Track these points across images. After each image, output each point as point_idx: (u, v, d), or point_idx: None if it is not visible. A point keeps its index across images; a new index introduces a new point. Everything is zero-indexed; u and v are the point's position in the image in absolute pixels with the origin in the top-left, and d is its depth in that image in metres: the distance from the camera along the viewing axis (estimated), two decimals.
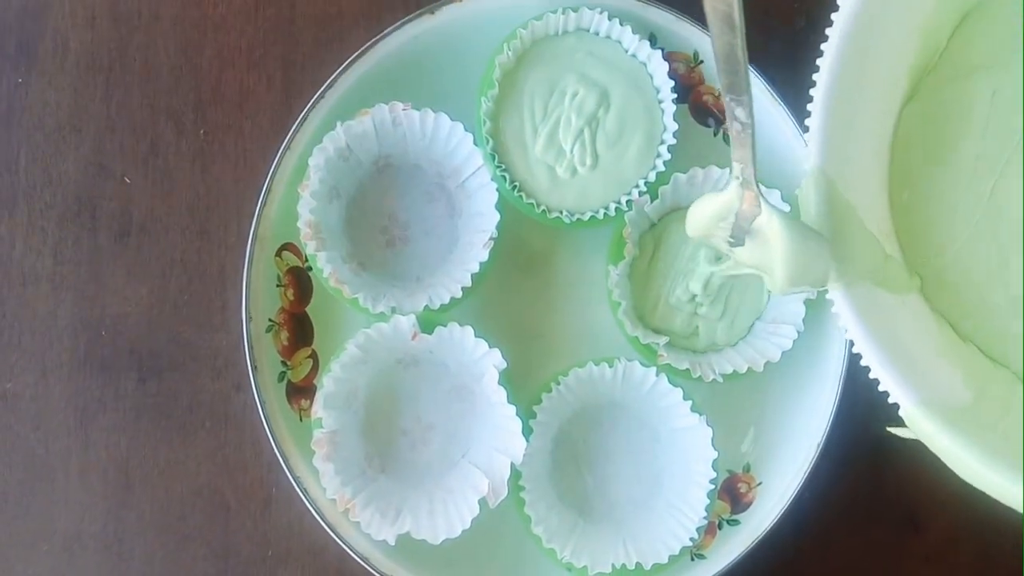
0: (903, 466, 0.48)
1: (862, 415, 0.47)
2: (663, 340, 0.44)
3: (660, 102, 0.45)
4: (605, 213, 0.45)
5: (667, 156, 0.45)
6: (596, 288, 0.46)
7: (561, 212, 0.45)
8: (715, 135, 0.47)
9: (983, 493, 0.47)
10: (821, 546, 0.48)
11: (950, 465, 0.37)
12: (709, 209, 0.39)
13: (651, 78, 0.45)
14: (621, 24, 0.45)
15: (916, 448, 0.48)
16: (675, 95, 0.45)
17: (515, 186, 0.45)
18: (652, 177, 0.45)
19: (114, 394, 0.48)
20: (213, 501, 0.48)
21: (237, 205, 0.48)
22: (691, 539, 0.44)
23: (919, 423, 0.37)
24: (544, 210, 0.45)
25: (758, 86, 0.45)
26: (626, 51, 0.45)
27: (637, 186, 0.45)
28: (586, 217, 0.45)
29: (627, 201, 0.45)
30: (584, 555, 0.44)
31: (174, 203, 0.49)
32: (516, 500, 0.44)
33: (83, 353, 0.49)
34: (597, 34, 0.45)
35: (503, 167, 0.45)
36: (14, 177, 0.49)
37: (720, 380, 0.44)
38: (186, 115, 0.49)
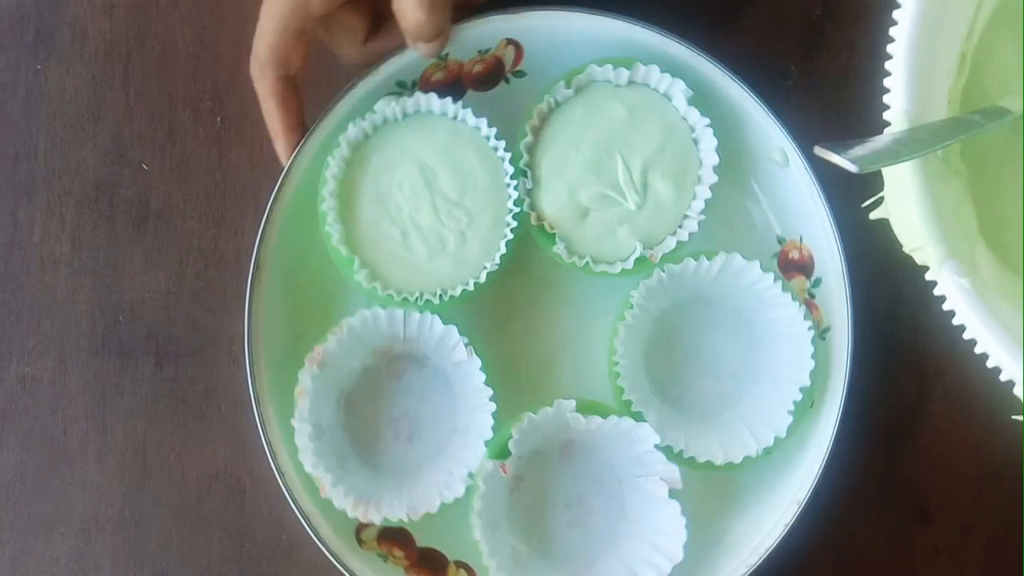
0: (913, 458, 0.48)
1: (871, 407, 0.47)
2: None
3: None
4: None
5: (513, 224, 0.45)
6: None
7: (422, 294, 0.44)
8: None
9: (993, 484, 0.48)
10: (831, 537, 0.48)
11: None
12: None
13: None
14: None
15: (926, 439, 0.48)
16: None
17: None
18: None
19: (131, 379, 0.49)
20: (229, 485, 0.48)
21: (254, 192, 0.48)
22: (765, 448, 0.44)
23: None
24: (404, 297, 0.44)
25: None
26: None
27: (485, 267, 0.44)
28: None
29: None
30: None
31: (191, 190, 0.49)
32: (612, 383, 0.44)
33: (101, 338, 0.49)
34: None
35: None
36: (33, 164, 0.50)
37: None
38: (203, 102, 0.49)
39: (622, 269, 0.44)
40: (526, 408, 0.44)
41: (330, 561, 0.45)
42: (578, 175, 0.44)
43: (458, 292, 0.44)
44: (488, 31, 0.45)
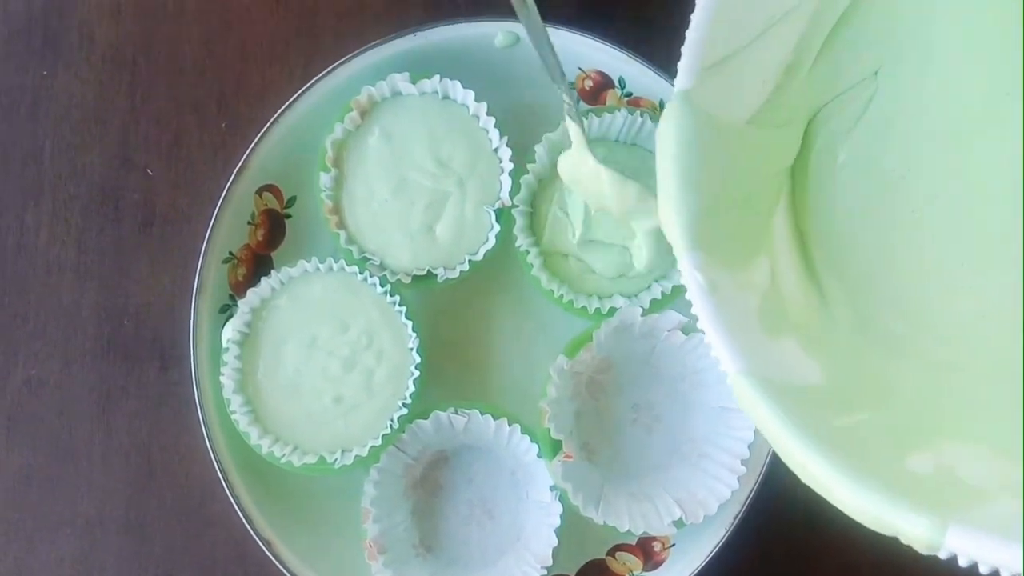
0: None
1: None
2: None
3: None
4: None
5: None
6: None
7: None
8: None
9: None
10: (832, 539, 0.48)
11: (773, 446, 0.32)
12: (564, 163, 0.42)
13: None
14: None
15: None
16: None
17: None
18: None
19: (136, 381, 0.49)
20: None
21: None
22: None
23: (741, 391, 0.32)
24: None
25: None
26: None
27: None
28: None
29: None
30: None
31: (196, 194, 0.50)
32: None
33: (106, 341, 0.49)
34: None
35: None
36: (40, 168, 0.50)
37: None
38: (209, 108, 0.50)
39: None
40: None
41: None
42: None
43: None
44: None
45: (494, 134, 0.45)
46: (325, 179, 0.45)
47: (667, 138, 0.34)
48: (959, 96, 0.38)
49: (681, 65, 0.35)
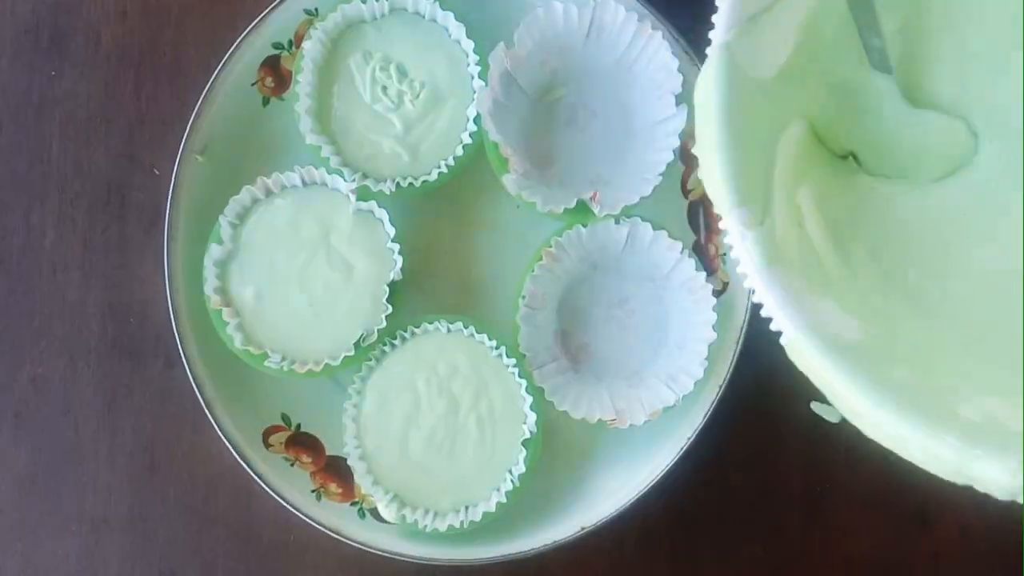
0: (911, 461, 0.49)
1: None
2: None
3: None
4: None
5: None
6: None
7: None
8: None
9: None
10: (830, 541, 0.49)
11: (835, 404, 0.33)
12: None
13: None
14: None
15: None
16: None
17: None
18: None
19: (141, 379, 0.50)
20: (236, 485, 0.48)
21: None
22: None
23: (799, 351, 0.32)
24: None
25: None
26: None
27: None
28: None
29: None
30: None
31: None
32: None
33: (111, 339, 0.50)
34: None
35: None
36: (46, 167, 0.50)
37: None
38: None
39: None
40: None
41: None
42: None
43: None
44: None
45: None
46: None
47: (710, 91, 0.33)
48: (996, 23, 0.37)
49: (719, 16, 0.34)
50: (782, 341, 0.32)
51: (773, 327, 0.33)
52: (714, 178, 0.33)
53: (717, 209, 0.33)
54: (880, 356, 0.33)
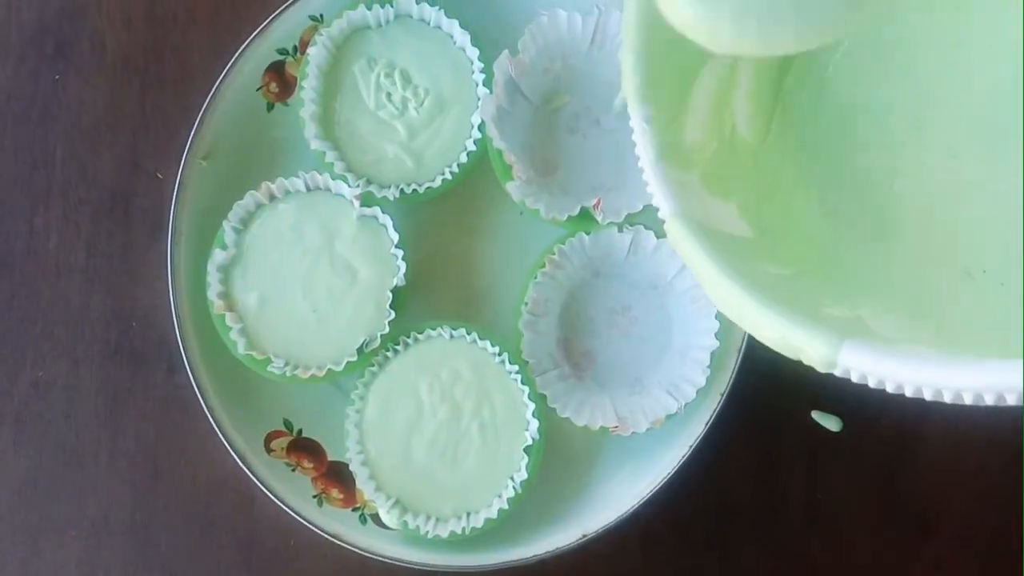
0: (913, 469, 0.49)
1: (870, 417, 0.48)
2: None
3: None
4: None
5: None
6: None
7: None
8: None
9: (993, 497, 0.48)
10: (831, 549, 0.49)
11: (700, 280, 0.34)
12: None
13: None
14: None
15: (927, 451, 0.49)
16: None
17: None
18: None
19: (143, 384, 0.50)
20: (238, 490, 0.49)
21: None
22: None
23: (674, 232, 0.34)
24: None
25: None
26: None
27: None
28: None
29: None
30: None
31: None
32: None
33: (114, 344, 0.50)
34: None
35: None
36: (50, 173, 0.51)
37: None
38: None
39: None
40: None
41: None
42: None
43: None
44: None
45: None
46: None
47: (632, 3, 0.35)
48: None
49: None
50: (663, 225, 0.35)
51: (660, 215, 0.35)
52: (627, 74, 0.36)
53: (629, 109, 0.36)
54: (766, 251, 0.36)
